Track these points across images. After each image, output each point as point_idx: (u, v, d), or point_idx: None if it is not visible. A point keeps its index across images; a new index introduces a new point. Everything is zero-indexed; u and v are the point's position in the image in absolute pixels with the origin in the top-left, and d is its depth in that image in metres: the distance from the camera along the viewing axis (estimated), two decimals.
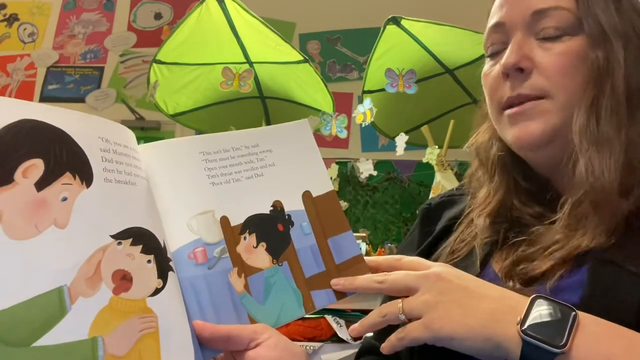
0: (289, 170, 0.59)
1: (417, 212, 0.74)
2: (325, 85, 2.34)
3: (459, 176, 2.24)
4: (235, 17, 2.11)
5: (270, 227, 0.55)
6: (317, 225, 0.58)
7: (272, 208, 0.56)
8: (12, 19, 3.54)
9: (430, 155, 2.12)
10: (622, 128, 0.54)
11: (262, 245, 0.54)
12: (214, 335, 0.47)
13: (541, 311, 0.45)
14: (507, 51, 0.58)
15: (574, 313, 0.45)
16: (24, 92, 3.35)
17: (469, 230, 0.63)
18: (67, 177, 0.42)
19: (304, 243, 0.56)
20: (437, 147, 2.12)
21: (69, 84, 3.36)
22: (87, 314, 0.40)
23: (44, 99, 3.34)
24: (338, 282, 0.56)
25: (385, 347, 0.50)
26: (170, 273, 0.47)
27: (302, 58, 2.26)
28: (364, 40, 2.96)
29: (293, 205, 0.57)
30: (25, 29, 3.50)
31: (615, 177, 0.52)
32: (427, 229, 0.69)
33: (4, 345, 0.36)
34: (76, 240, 0.41)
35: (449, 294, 0.48)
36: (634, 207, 0.52)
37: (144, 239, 0.46)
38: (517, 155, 0.62)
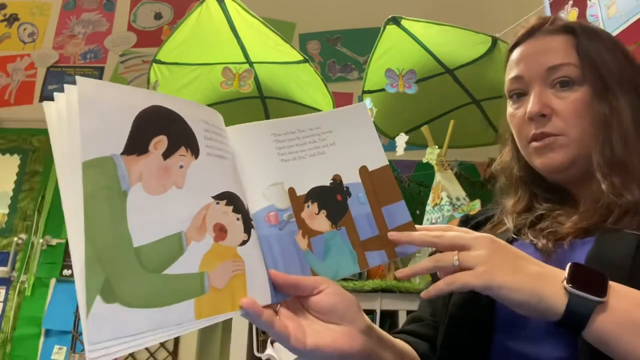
0: (348, 148, 0.67)
1: (460, 219, 0.90)
2: (325, 85, 2.34)
3: (458, 176, 2.24)
4: (235, 17, 2.11)
5: (330, 197, 0.64)
6: (372, 195, 0.66)
7: (332, 181, 0.65)
8: (12, 19, 3.54)
9: (430, 155, 2.12)
10: (635, 154, 0.70)
11: (323, 213, 0.63)
12: (285, 282, 0.57)
13: (579, 272, 0.54)
14: (531, 101, 0.74)
15: (604, 275, 0.54)
16: (24, 92, 3.35)
17: (501, 225, 0.76)
18: (182, 150, 0.54)
19: (360, 211, 0.65)
20: (437, 147, 2.12)
21: (69, 84, 3.36)
22: (197, 254, 0.52)
23: (44, 99, 3.32)
24: (395, 234, 0.65)
25: (431, 290, 0.58)
26: (252, 230, 0.58)
27: (302, 58, 2.26)
28: (364, 40, 2.96)
29: (351, 178, 0.66)
30: (25, 29, 3.50)
31: (636, 195, 0.66)
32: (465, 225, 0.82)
33: (144, 270, 0.48)
34: (189, 198, 0.53)
35: (501, 254, 0.56)
36: None
37: (234, 201, 0.58)
38: (536, 174, 0.77)
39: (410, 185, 2.90)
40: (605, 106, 0.71)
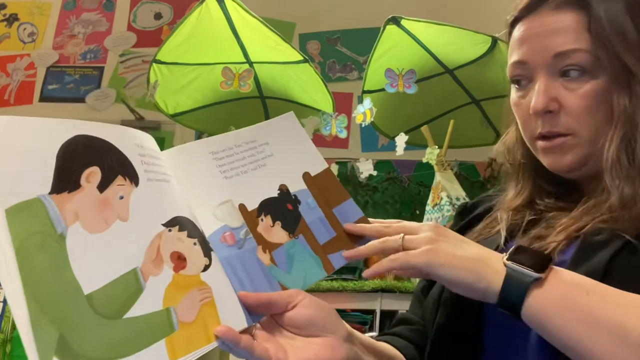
0: (287, 157, 0.67)
1: (457, 209, 0.84)
2: (325, 85, 2.34)
3: (458, 176, 2.25)
4: (235, 17, 2.11)
5: (282, 208, 0.63)
6: (320, 199, 0.66)
7: (279, 191, 0.64)
8: (12, 19, 3.54)
9: (430, 155, 2.12)
10: None
11: (278, 224, 0.62)
12: (257, 301, 0.54)
13: (523, 251, 0.54)
14: (535, 95, 0.64)
15: (550, 257, 0.53)
16: (23, 92, 3.35)
17: (495, 222, 0.71)
18: (120, 179, 0.50)
19: (313, 216, 0.64)
20: (437, 147, 2.12)
21: (69, 84, 3.36)
22: (158, 289, 0.48)
23: (44, 99, 3.34)
24: (350, 226, 0.64)
25: (371, 269, 0.58)
26: (212, 253, 0.55)
27: (302, 58, 2.26)
28: (364, 40, 2.96)
29: (297, 186, 0.65)
30: (25, 29, 3.50)
31: None
32: (460, 220, 0.78)
33: (102, 318, 0.44)
34: (138, 230, 0.49)
35: (446, 237, 0.56)
36: None
37: (187, 226, 0.54)
38: (540, 165, 0.69)
39: (410, 185, 2.90)
40: (625, 97, 0.61)
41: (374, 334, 1.62)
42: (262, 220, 0.61)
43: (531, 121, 0.66)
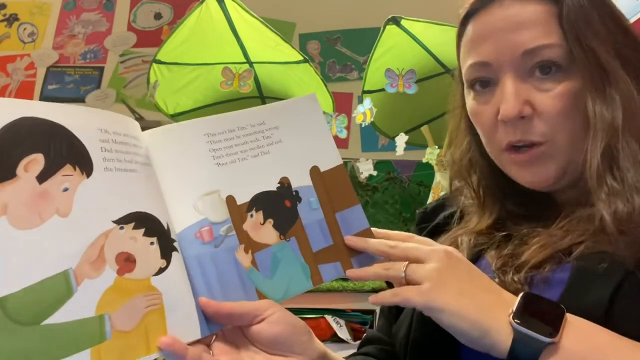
0: (297, 146, 0.59)
1: (416, 216, 0.75)
2: (325, 85, 2.34)
3: None
4: (235, 17, 2.11)
5: (277, 204, 0.56)
6: (325, 199, 0.58)
7: (279, 185, 0.57)
8: (12, 19, 3.54)
9: (430, 155, 2.12)
10: None
11: (270, 222, 0.55)
12: (217, 312, 0.49)
13: (531, 304, 0.47)
14: (505, 99, 0.56)
15: (562, 308, 0.47)
16: (24, 92, 3.34)
17: (454, 244, 0.63)
18: (67, 169, 0.45)
19: (312, 218, 0.57)
20: (437, 147, 2.12)
21: (69, 84, 3.36)
22: (93, 294, 0.43)
23: (44, 98, 3.33)
24: (352, 239, 0.57)
25: (376, 298, 0.52)
26: (174, 253, 0.49)
27: (302, 58, 2.26)
28: (364, 40, 2.96)
29: (301, 181, 0.58)
30: (25, 29, 3.50)
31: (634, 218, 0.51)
32: (420, 231, 0.70)
33: (16, 324, 0.39)
34: (79, 227, 0.44)
35: (454, 272, 0.49)
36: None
37: (146, 223, 0.48)
38: (507, 183, 0.62)
39: (410, 185, 2.90)
40: (602, 102, 0.53)
41: None
42: (251, 216, 0.54)
43: (497, 131, 0.58)
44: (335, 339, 1.40)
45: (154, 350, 0.45)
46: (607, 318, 0.47)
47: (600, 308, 0.47)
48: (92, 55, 3.42)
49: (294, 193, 0.57)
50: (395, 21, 2.09)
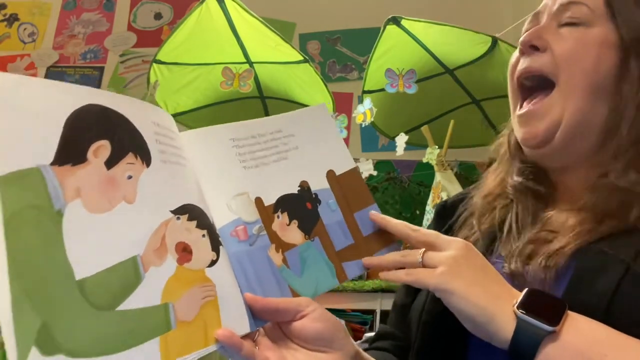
0: (312, 152, 0.62)
1: (434, 209, 0.76)
2: (325, 85, 2.34)
3: (458, 176, 2.24)
4: (235, 17, 2.12)
5: (300, 206, 0.58)
6: (342, 201, 0.61)
7: (299, 188, 0.59)
8: (12, 19, 3.54)
9: (430, 155, 2.12)
10: None
11: (294, 223, 0.57)
12: (265, 307, 0.50)
13: (535, 298, 0.49)
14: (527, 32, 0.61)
15: (564, 304, 0.48)
16: None
17: (470, 232, 0.65)
18: (130, 157, 0.45)
19: (332, 219, 0.59)
20: (437, 147, 2.12)
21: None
22: (158, 281, 0.43)
23: None
24: (376, 217, 0.60)
25: (387, 274, 0.55)
26: (221, 247, 0.50)
27: (302, 58, 2.26)
28: (364, 40, 2.96)
29: (319, 184, 0.61)
30: (25, 29, 3.50)
31: None
32: (440, 224, 0.71)
33: (94, 308, 0.39)
34: (143, 215, 0.44)
35: (469, 262, 0.51)
36: None
37: (197, 215, 0.49)
38: (520, 151, 0.64)
39: (410, 185, 2.90)
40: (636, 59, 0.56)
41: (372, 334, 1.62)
42: (278, 217, 0.56)
43: (516, 65, 0.62)
44: None
45: (212, 342, 0.45)
46: (608, 314, 0.48)
47: (602, 303, 0.48)
48: (92, 55, 3.42)
49: (314, 195, 0.60)
50: (395, 21, 2.10)
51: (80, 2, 3.55)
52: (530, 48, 0.60)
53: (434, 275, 0.50)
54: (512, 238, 0.59)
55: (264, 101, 2.55)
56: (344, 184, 0.62)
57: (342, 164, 0.63)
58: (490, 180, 0.68)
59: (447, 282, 0.50)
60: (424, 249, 0.53)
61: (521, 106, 0.62)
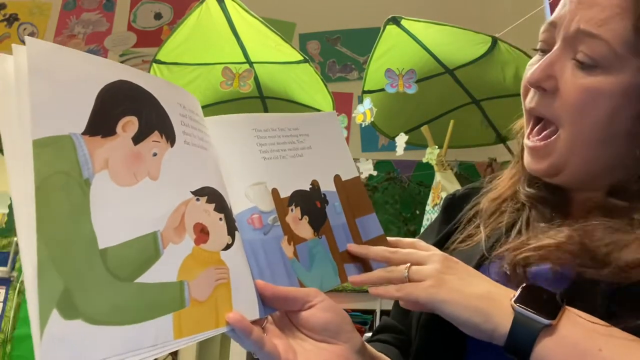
0: (322, 154, 0.64)
1: (442, 201, 0.77)
2: (325, 85, 2.34)
3: (458, 176, 2.24)
4: (235, 17, 2.11)
5: (311, 203, 0.60)
6: (346, 206, 0.63)
7: (310, 186, 0.61)
8: (12, 19, 3.54)
9: (430, 155, 2.12)
10: None
11: (305, 218, 0.59)
12: (274, 294, 0.51)
13: (532, 293, 0.49)
14: (537, 65, 0.55)
15: (562, 299, 0.48)
16: None
17: (476, 230, 0.65)
18: (156, 135, 0.46)
19: (337, 221, 0.61)
20: (437, 147, 2.13)
21: None
22: (175, 259, 0.44)
23: None
24: (355, 247, 0.61)
25: (378, 290, 0.56)
26: (236, 232, 0.51)
27: (302, 58, 2.26)
28: (364, 40, 2.96)
29: (327, 186, 0.62)
30: (25, 29, 3.50)
31: None
32: (447, 217, 0.71)
33: (114, 278, 0.40)
34: (165, 192, 0.45)
35: (453, 270, 0.52)
36: None
37: (216, 198, 0.50)
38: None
39: (410, 185, 2.90)
40: None
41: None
42: (292, 210, 0.58)
43: (527, 92, 0.58)
44: None
45: (222, 324, 0.45)
46: (608, 314, 0.48)
47: (602, 303, 0.48)
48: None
49: (322, 196, 0.62)
50: (395, 21, 2.10)
51: (80, 2, 3.55)
52: (539, 89, 0.55)
53: (423, 289, 0.51)
54: (518, 240, 0.58)
55: (264, 101, 2.55)
56: (348, 189, 0.64)
57: (348, 171, 0.65)
58: (504, 181, 0.66)
59: (437, 292, 0.50)
60: (409, 263, 0.54)
61: (531, 131, 0.59)
